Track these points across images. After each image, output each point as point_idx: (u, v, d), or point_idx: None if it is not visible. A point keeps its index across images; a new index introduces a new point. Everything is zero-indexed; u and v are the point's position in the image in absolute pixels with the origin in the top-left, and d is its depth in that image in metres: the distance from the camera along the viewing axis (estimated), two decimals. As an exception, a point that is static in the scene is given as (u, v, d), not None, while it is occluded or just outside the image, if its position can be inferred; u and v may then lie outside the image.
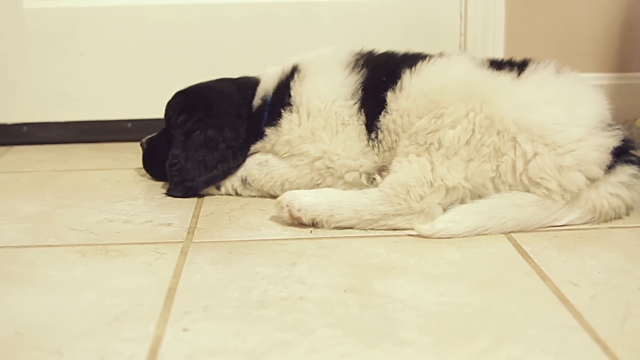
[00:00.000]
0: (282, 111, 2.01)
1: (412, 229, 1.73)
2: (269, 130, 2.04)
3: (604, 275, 1.50)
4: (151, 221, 1.87)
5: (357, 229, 1.76)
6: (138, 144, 2.26)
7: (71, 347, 1.26)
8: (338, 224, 1.76)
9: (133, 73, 2.74)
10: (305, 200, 1.78)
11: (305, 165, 1.97)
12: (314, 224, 1.78)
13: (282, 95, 2.03)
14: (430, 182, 1.74)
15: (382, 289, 1.45)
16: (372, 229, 1.76)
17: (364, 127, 1.94)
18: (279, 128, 2.01)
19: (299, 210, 1.77)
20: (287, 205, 1.78)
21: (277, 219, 1.84)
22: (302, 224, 1.78)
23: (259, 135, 2.06)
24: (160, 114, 2.70)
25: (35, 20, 2.68)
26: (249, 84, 2.16)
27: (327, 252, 1.64)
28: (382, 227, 1.76)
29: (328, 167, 1.95)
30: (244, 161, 2.06)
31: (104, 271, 1.57)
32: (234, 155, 2.04)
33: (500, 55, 2.71)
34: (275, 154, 2.02)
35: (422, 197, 1.74)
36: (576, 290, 1.43)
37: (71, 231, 1.81)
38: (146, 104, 2.73)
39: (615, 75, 2.79)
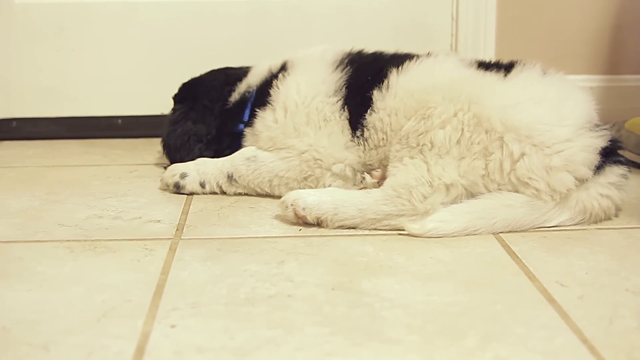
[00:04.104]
0: (257, 110, 2.04)
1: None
2: (247, 130, 2.08)
3: (591, 276, 1.51)
4: (140, 218, 1.86)
5: (361, 228, 1.76)
6: (128, 140, 2.27)
7: (58, 342, 1.25)
8: (342, 223, 1.76)
9: (124, 69, 2.73)
10: (310, 199, 1.77)
11: (294, 157, 1.97)
12: (318, 223, 1.77)
13: (264, 94, 2.06)
14: (429, 182, 1.74)
15: (370, 287, 1.45)
16: (376, 228, 1.76)
17: (347, 122, 1.95)
18: (254, 128, 2.05)
19: (303, 209, 1.77)
20: (292, 205, 1.78)
21: (267, 217, 1.85)
22: (307, 223, 1.78)
23: (235, 132, 2.11)
24: (151, 111, 2.71)
25: (26, 16, 2.68)
26: (232, 78, 2.21)
27: (315, 251, 1.64)
28: (385, 227, 1.75)
29: (316, 159, 1.95)
30: (210, 156, 2.10)
31: (92, 267, 1.56)
32: (200, 149, 2.14)
33: (491, 56, 2.72)
34: (260, 147, 2.03)
35: (425, 197, 1.73)
36: (563, 291, 1.44)
37: (60, 227, 1.80)
38: (137, 100, 2.73)
39: (605, 78, 2.80)
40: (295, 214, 1.77)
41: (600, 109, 1.87)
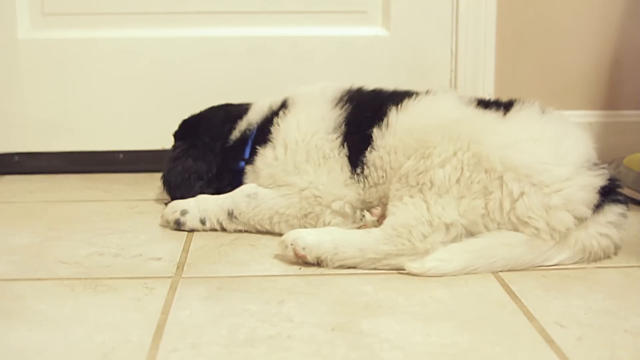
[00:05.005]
0: (258, 148, 2.06)
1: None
2: (248, 168, 2.09)
3: (590, 316, 1.51)
4: (141, 255, 1.87)
5: (361, 267, 1.76)
6: (129, 175, 2.28)
7: (58, 384, 1.26)
8: (342, 262, 1.76)
9: (126, 104, 2.75)
10: (310, 239, 1.77)
11: (294, 194, 1.98)
12: (318, 263, 1.77)
13: (264, 132, 2.07)
14: (429, 221, 1.74)
15: (370, 328, 1.45)
16: (376, 268, 1.75)
17: (346, 159, 1.97)
18: (254, 165, 2.07)
19: (303, 248, 1.77)
20: (292, 244, 1.78)
21: (267, 255, 1.86)
22: (306, 263, 1.78)
23: (236, 170, 2.13)
24: (152, 146, 2.73)
25: (29, 51, 2.70)
26: (232, 116, 2.22)
27: (315, 290, 1.64)
28: (385, 267, 1.75)
29: (316, 196, 1.96)
30: (211, 193, 2.11)
31: (92, 306, 1.57)
32: (200, 187, 2.15)
33: (490, 91, 2.74)
34: (261, 184, 2.04)
35: (425, 237, 1.73)
36: (562, 332, 1.44)
37: (61, 264, 1.81)
38: (138, 135, 2.75)
39: (604, 113, 2.82)
40: (295, 254, 1.77)
41: (599, 144, 1.89)
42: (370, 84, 2.13)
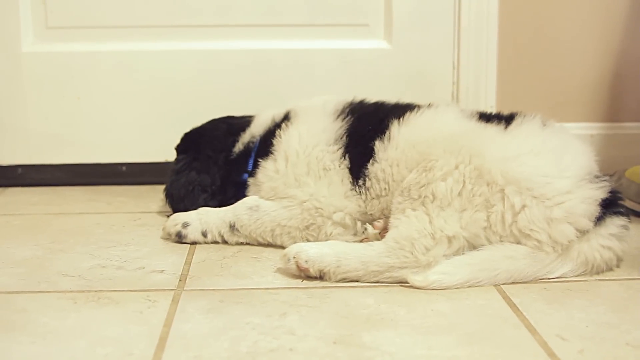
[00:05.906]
0: (260, 161, 2.07)
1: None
2: (250, 180, 2.10)
3: (592, 329, 1.51)
4: (143, 268, 1.87)
5: (363, 281, 1.76)
6: (132, 187, 2.28)
7: (61, 397, 1.26)
8: (345, 275, 1.76)
9: (128, 117, 2.76)
10: (312, 252, 1.77)
11: (296, 206, 1.98)
12: (320, 276, 1.77)
13: (267, 144, 2.09)
14: (432, 234, 1.74)
15: (371, 341, 1.46)
16: (378, 281, 1.75)
17: (347, 171, 1.98)
18: (256, 178, 2.08)
19: (306, 262, 1.77)
20: (294, 257, 1.78)
21: (269, 268, 1.86)
22: (309, 276, 1.78)
23: (240, 182, 2.13)
24: (155, 158, 2.74)
25: (32, 64, 2.71)
26: (235, 128, 2.23)
27: (317, 302, 1.64)
28: (388, 279, 1.75)
29: (317, 208, 1.96)
30: (214, 206, 2.11)
31: (95, 319, 1.57)
32: (204, 199, 2.15)
33: (492, 104, 2.74)
34: (262, 197, 2.04)
35: (427, 250, 1.74)
36: (564, 345, 1.44)
37: (64, 277, 1.81)
38: (141, 147, 2.76)
39: (605, 125, 2.82)
40: (298, 267, 1.77)
41: (601, 157, 1.89)
42: (372, 97, 2.14)
